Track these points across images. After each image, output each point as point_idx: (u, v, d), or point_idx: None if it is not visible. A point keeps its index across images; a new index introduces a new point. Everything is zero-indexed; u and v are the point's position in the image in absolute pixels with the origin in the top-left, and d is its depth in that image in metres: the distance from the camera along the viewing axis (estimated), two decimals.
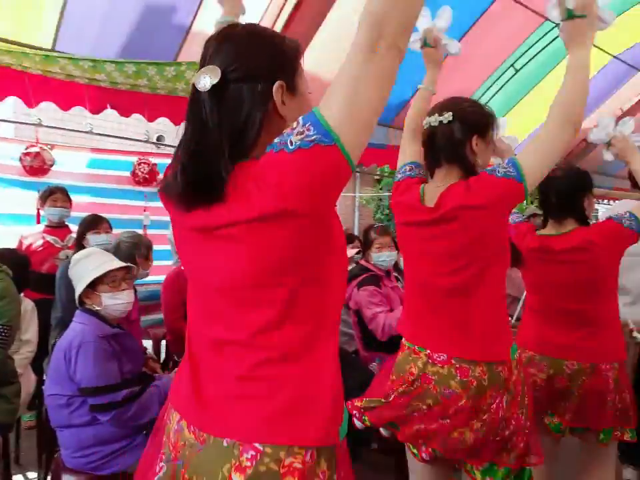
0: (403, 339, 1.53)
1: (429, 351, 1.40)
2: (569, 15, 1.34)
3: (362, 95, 0.77)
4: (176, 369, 1.30)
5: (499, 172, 1.30)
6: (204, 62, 0.86)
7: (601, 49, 4.97)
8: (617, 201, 2.92)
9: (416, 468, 1.53)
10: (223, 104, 0.83)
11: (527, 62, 4.73)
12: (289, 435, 0.81)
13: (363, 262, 2.99)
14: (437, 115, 1.45)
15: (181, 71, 2.97)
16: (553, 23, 4.40)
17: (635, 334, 2.18)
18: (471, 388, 1.32)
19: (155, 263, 2.96)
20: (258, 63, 0.84)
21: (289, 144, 0.77)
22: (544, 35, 4.53)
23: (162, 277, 3.19)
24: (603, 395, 1.73)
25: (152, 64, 2.91)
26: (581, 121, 1.29)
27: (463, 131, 1.42)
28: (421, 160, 1.61)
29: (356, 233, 8.92)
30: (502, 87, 4.89)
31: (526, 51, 4.63)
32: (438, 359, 1.38)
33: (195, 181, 0.82)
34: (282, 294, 0.83)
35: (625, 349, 1.86)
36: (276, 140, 0.80)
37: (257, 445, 0.80)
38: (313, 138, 0.76)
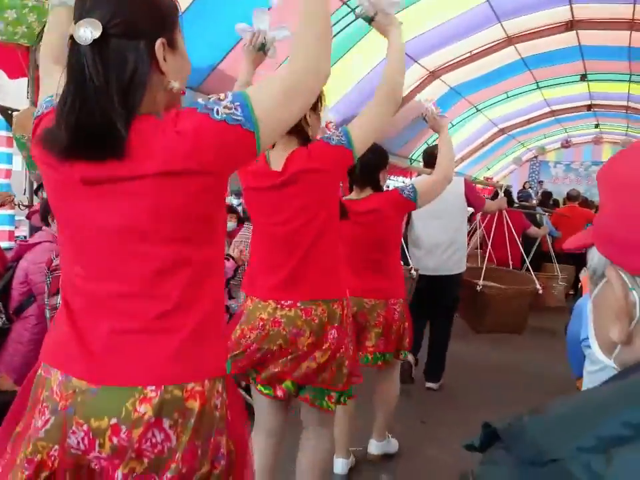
0: (250, 295, 1.70)
1: (275, 299, 1.60)
2: (367, 19, 1.55)
3: (290, 104, 0.92)
4: None
5: (333, 140, 1.51)
6: (80, 13, 0.84)
7: None
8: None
9: (263, 405, 1.74)
10: (107, 59, 0.83)
11: None
12: (191, 374, 0.89)
13: None
14: None
15: (23, 14, 2.52)
16: (350, 8, 4.87)
17: (412, 272, 2.88)
18: (313, 324, 1.56)
19: None
20: (139, 19, 0.86)
21: (214, 112, 0.86)
22: (340, 19, 4.95)
23: None
24: (390, 324, 2.20)
25: None
26: (400, 99, 1.55)
27: None
28: None
29: None
30: None
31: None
32: (285, 304, 1.58)
33: (90, 134, 0.83)
34: (179, 246, 0.89)
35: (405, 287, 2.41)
36: (200, 101, 0.88)
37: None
38: (238, 118, 0.86)
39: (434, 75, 7.07)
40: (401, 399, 2.55)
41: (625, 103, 9.19)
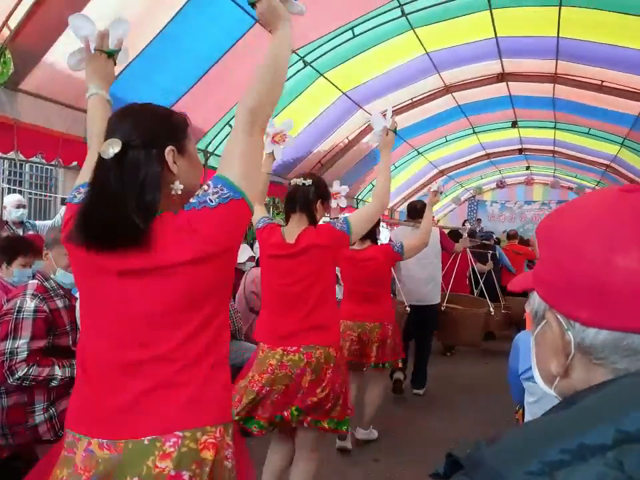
0: (261, 343, 2.05)
1: (283, 347, 1.95)
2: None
3: (250, 163, 1.12)
4: None
5: (337, 225, 2.00)
6: (108, 133, 1.07)
7: (335, 86, 5.89)
8: (395, 227, 4.33)
9: (274, 443, 2.19)
10: (124, 166, 1.03)
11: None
12: (202, 418, 1.03)
13: None
14: (301, 178, 2.11)
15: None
16: (299, 56, 5.05)
17: (407, 308, 3.76)
18: (312, 364, 1.92)
19: None
20: (153, 133, 1.07)
21: (209, 201, 1.05)
22: (292, 65, 5.12)
23: None
24: (385, 339, 3.03)
25: None
26: (388, 201, 2.20)
27: (315, 194, 2.11)
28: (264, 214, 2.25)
29: None
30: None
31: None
32: (291, 349, 1.94)
33: (109, 227, 1.01)
34: (201, 315, 1.06)
35: (396, 315, 3.30)
36: (193, 200, 1.07)
37: (177, 432, 0.99)
38: (227, 195, 1.06)
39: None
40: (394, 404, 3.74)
41: (551, 148, 9.91)
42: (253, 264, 4.88)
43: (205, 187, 1.07)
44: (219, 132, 5.38)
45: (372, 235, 3.04)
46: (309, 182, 2.11)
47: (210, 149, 5.49)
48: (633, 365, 0.50)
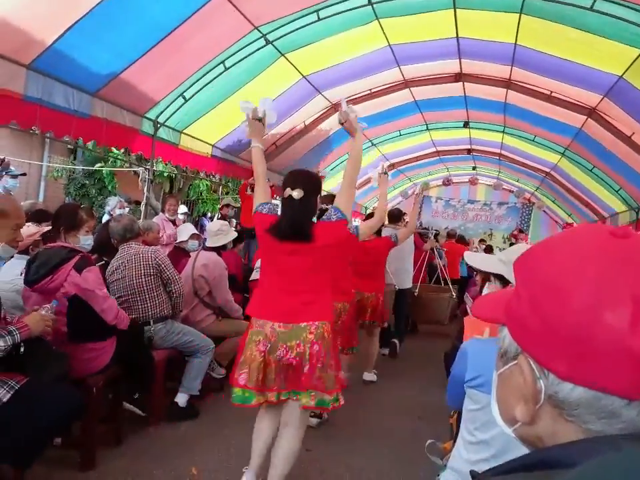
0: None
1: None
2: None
3: (350, 199, 2.46)
4: None
5: (351, 230, 2.82)
6: (291, 185, 2.25)
7: (296, 68, 5.78)
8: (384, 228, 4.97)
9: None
10: (303, 203, 2.24)
11: (237, 62, 5.09)
12: (324, 317, 2.26)
13: (64, 243, 2.69)
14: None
15: None
16: (260, 33, 4.92)
17: (395, 287, 5.12)
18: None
19: None
20: (314, 188, 2.32)
21: (332, 217, 2.32)
22: (252, 42, 4.98)
23: None
24: (377, 306, 4.25)
25: None
26: (385, 215, 3.64)
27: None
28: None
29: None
30: (211, 81, 5.14)
31: (236, 52, 4.98)
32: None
33: (296, 233, 2.23)
34: (325, 271, 2.32)
35: (387, 293, 4.60)
36: (325, 216, 2.34)
37: (315, 322, 2.20)
38: (339, 216, 2.31)
39: (335, 107, 7.35)
40: None
41: (498, 151, 10.27)
42: (197, 243, 4.72)
43: (330, 210, 2.35)
44: (171, 103, 5.15)
45: (378, 231, 4.17)
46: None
47: (161, 119, 5.26)
48: (608, 428, 0.46)
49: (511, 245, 12.28)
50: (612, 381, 0.45)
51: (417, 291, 5.69)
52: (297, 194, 2.13)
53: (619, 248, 0.48)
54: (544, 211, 14.02)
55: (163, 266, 3.35)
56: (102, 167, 10.88)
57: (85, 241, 2.72)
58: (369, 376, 4.49)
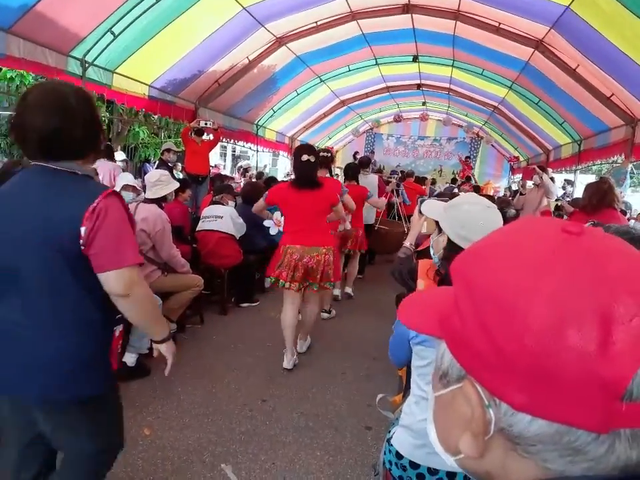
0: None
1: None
2: None
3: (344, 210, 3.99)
4: None
5: (340, 195, 3.71)
6: (306, 152, 3.43)
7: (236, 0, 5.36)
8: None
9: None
10: (311, 163, 3.44)
11: None
12: (331, 243, 3.60)
13: None
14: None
15: None
16: None
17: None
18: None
19: None
20: (316, 156, 3.55)
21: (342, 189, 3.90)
22: None
23: None
24: (358, 237, 5.27)
25: None
26: (353, 208, 4.15)
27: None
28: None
29: None
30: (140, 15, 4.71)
31: None
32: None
33: (309, 182, 3.41)
34: (327, 213, 3.59)
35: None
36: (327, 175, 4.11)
37: (326, 246, 3.51)
38: (342, 190, 3.84)
39: (280, 41, 6.97)
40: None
41: (447, 85, 10.18)
42: (132, 195, 4.33)
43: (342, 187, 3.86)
44: (99, 39, 4.70)
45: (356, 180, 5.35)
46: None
47: (89, 58, 4.81)
48: (571, 467, 0.39)
49: (453, 180, 12.47)
50: (578, 413, 0.37)
51: (376, 225, 6.52)
52: (311, 158, 3.35)
53: (575, 249, 0.40)
54: (492, 145, 14.24)
55: None
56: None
57: None
58: (349, 289, 5.76)
